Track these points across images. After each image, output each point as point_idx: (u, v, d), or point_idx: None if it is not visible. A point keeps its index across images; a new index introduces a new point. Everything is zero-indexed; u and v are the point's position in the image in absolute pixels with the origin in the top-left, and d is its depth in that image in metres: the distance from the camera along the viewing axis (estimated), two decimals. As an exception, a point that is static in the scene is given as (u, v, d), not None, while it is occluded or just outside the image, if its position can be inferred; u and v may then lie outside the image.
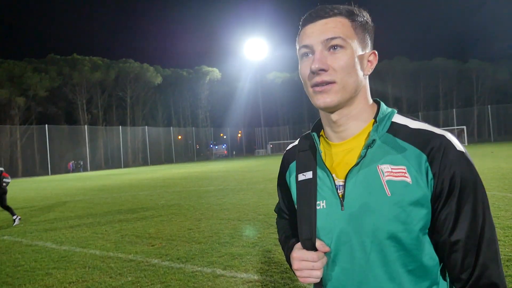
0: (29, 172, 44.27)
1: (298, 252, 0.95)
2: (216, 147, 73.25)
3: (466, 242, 0.83)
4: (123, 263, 5.21)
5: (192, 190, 14.01)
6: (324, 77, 0.88)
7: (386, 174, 0.88)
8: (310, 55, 0.91)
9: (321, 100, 0.90)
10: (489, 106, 60.76)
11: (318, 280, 0.94)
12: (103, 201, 12.48)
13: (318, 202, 0.96)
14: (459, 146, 0.87)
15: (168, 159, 59.23)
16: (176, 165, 45.63)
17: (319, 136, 1.03)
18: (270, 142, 72.33)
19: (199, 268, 4.74)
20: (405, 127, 0.91)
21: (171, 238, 6.52)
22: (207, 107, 70.43)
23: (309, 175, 1.00)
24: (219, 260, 5.05)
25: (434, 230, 0.87)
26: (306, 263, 0.93)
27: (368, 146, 0.90)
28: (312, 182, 0.98)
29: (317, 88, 0.90)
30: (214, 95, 69.87)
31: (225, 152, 73.09)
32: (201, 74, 67.63)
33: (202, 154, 68.65)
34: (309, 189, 0.98)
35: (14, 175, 42.36)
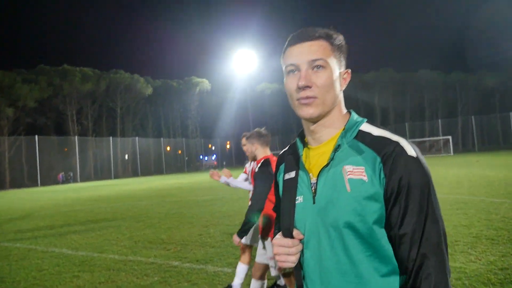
0: (18, 183, 43.65)
1: (278, 239, 1.10)
2: (206, 158, 73.25)
3: (411, 236, 0.94)
4: (145, 266, 5.52)
5: (190, 200, 14.28)
6: (308, 92, 1.04)
7: (348, 173, 1.02)
8: (296, 72, 1.06)
9: (305, 111, 1.06)
10: (472, 116, 62.44)
11: (293, 265, 1.07)
12: (103, 211, 12.67)
13: (297, 197, 1.12)
14: (411, 151, 0.99)
15: (158, 170, 59.06)
16: (167, 176, 45.62)
17: (302, 142, 1.19)
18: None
19: (220, 268, 5.09)
20: (369, 134, 1.06)
21: (184, 243, 6.84)
22: (197, 118, 70.63)
23: (292, 174, 1.16)
24: (237, 261, 5.41)
25: (386, 225, 0.99)
26: (283, 248, 1.07)
27: (335, 149, 1.06)
28: (294, 180, 1.14)
29: (302, 101, 1.05)
30: (204, 106, 70.18)
31: (215, 163, 73.17)
32: (191, 85, 67.98)
33: (192, 165, 68.59)
34: (291, 186, 1.15)
35: (1, 186, 41.80)
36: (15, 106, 45.20)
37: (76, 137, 49.72)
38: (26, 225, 10.61)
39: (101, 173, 52.60)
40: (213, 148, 74.56)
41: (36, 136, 44.08)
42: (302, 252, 1.09)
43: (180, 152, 66.17)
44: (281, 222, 1.14)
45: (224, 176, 3.97)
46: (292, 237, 1.08)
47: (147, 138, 59.86)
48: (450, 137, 50.77)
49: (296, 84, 1.05)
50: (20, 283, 5.12)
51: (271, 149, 3.60)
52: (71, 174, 46.99)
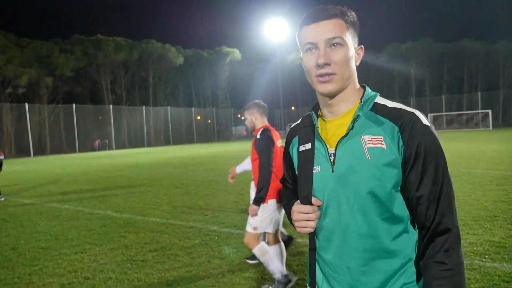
0: (57, 149, 45.90)
1: (297, 206, 1.17)
2: (236, 128, 73.73)
3: (428, 197, 1.05)
4: (185, 229, 5.82)
5: (223, 169, 14.61)
6: (328, 69, 1.09)
7: (367, 142, 1.08)
8: (314, 50, 1.11)
9: (325, 88, 1.11)
10: (515, 89, 59.12)
11: (312, 230, 1.15)
12: (141, 177, 13.22)
13: (314, 167, 1.17)
14: (425, 121, 1.08)
15: (189, 139, 60.23)
16: (198, 145, 46.55)
17: (317, 115, 1.25)
18: (288, 124, 72.54)
19: (257, 234, 5.29)
20: (384, 106, 1.13)
21: (220, 209, 7.11)
22: (227, 88, 70.72)
23: (308, 146, 1.21)
24: (274, 227, 5.60)
25: (404, 188, 1.08)
26: (303, 215, 1.14)
27: (354, 120, 1.12)
28: (311, 151, 1.19)
29: (321, 79, 1.10)
30: (234, 76, 69.99)
31: (244, 132, 73.65)
32: (222, 55, 67.68)
33: (222, 134, 69.38)
34: (308, 157, 1.20)
35: (43, 152, 44.12)
36: (53, 75, 46.80)
37: (111, 106, 51.20)
38: (71, 188, 11.27)
39: (135, 141, 54.27)
40: (242, 118, 74.78)
41: (74, 105, 45.76)
42: (320, 218, 1.17)
43: (210, 121, 66.92)
44: (299, 191, 1.19)
45: (236, 169, 4.42)
46: (311, 204, 1.15)
47: (178, 108, 60.76)
48: (489, 111, 48.53)
49: (314, 61, 1.10)
50: (72, 240, 5.54)
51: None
52: (107, 142, 48.79)
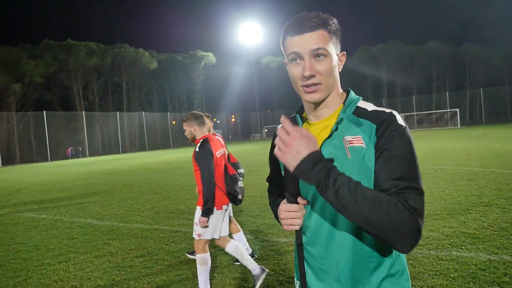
0: (27, 158, 44.36)
1: (284, 205, 1.21)
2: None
3: (390, 175, 1.05)
4: (170, 234, 5.82)
5: (203, 173, 14.55)
6: (313, 80, 1.14)
7: (348, 142, 1.14)
8: (299, 60, 1.15)
9: (311, 97, 1.17)
10: (481, 89, 61.75)
11: (298, 227, 1.19)
12: (119, 183, 13.02)
13: None
14: (400, 121, 1.12)
15: (165, 144, 59.54)
16: (175, 150, 46.06)
17: (301, 118, 1.31)
18: (265, 127, 72.95)
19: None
20: (365, 109, 1.19)
21: (204, 213, 7.12)
22: (203, 92, 70.47)
23: None
24: (259, 229, 5.69)
25: (375, 178, 1.10)
26: (290, 213, 1.18)
27: (338, 122, 1.18)
28: None
29: (307, 89, 1.16)
30: (209, 80, 69.87)
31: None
32: (196, 59, 67.43)
33: (198, 139, 68.89)
34: None
35: (11, 161, 42.54)
36: (22, 82, 45.31)
37: (83, 112, 49.99)
38: (46, 197, 10.99)
39: (109, 148, 53.17)
40: (218, 122, 74.72)
41: (44, 112, 44.41)
42: (306, 215, 1.21)
43: (174, 122, 66.34)
44: (285, 190, 1.21)
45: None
46: (297, 203, 1.19)
47: (153, 113, 60.04)
48: (457, 110, 50.45)
49: (300, 72, 1.14)
50: (55, 250, 5.44)
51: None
52: (80, 149, 47.56)
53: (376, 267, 1.15)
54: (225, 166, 3.77)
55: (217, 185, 3.60)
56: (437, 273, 3.61)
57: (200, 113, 3.77)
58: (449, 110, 53.27)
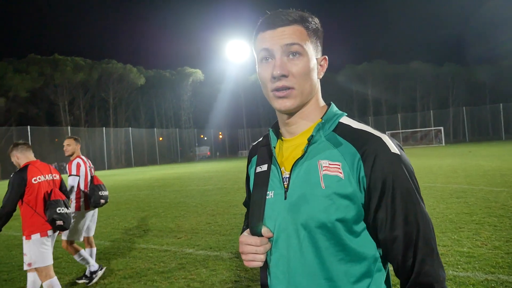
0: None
1: (244, 237, 1.03)
2: (200, 148, 73.27)
3: (404, 239, 0.88)
4: (160, 253, 5.64)
5: (191, 189, 14.37)
6: (284, 82, 0.95)
7: (323, 168, 0.94)
8: (270, 60, 0.97)
9: (282, 104, 0.97)
10: (464, 107, 63.21)
11: (261, 264, 1.01)
12: (106, 201, 12.71)
13: (268, 192, 1.04)
14: (394, 148, 0.92)
15: (151, 161, 58.88)
16: (162, 166, 45.56)
17: (277, 133, 1.11)
18: (252, 143, 72.95)
19: (235, 255, 5.22)
20: (348, 126, 0.98)
21: (193, 231, 6.96)
22: (190, 108, 70.41)
23: (264, 167, 1.08)
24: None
25: (375, 228, 0.92)
26: (250, 247, 1.01)
27: (308, 142, 0.98)
28: (266, 173, 1.06)
29: (278, 93, 0.96)
30: (197, 96, 69.94)
31: (208, 153, 73.22)
32: (184, 76, 67.55)
33: (185, 155, 68.50)
34: (263, 180, 1.06)
35: (-7, 177, 41.42)
36: (6, 96, 44.56)
37: (69, 127, 49.25)
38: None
39: (94, 164, 51.21)
40: (205, 138, 74.58)
41: (28, 127, 43.60)
42: (269, 251, 1.03)
43: (161, 139, 65.98)
44: (250, 219, 1.05)
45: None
46: (260, 235, 1.01)
47: (140, 129, 59.55)
48: (442, 128, 51.38)
49: (270, 73, 0.96)
50: (37, 270, 5.20)
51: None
52: (64, 165, 46.65)
53: None
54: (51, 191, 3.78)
55: (37, 212, 3.68)
56: (435, 294, 3.54)
57: (22, 141, 3.96)
58: (433, 128, 54.22)
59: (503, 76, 63.76)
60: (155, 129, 61.37)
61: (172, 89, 66.13)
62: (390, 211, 0.89)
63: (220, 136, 77.77)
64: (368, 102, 71.16)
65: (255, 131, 77.57)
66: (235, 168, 27.28)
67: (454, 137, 65.96)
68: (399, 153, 0.92)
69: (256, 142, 1.23)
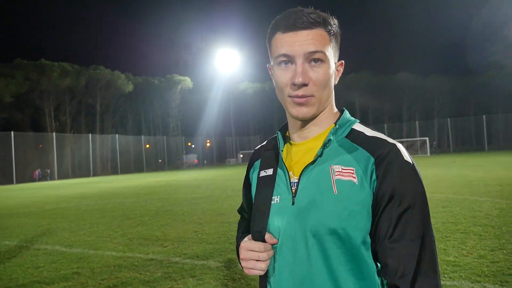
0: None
1: (246, 243, 0.98)
2: (186, 157, 72.87)
3: (405, 250, 0.84)
4: (145, 262, 5.54)
5: (178, 197, 14.24)
6: (305, 91, 0.91)
7: (336, 173, 0.91)
8: (290, 64, 0.93)
9: (299, 111, 0.94)
10: (448, 119, 64.44)
11: (262, 273, 0.95)
12: (91, 208, 12.50)
13: (273, 197, 1.00)
14: (407, 157, 0.90)
15: (138, 168, 58.31)
16: (148, 174, 45.11)
17: (284, 137, 1.08)
18: (240, 152, 72.97)
19: (222, 264, 5.16)
20: (362, 133, 0.97)
21: (180, 240, 6.87)
22: (178, 116, 70.19)
23: (270, 171, 1.04)
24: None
25: (375, 234, 0.88)
26: (252, 253, 0.95)
27: (324, 145, 0.95)
28: (272, 178, 1.03)
29: (297, 100, 0.93)
30: (185, 104, 69.82)
31: (196, 161, 72.86)
32: (173, 83, 67.43)
33: (172, 163, 68.02)
34: (267, 185, 1.02)
35: (-26, 183, 40.40)
36: (-10, 101, 43.77)
37: (54, 133, 48.51)
38: (10, 222, 10.37)
39: (79, 171, 51.49)
40: (193, 146, 74.25)
41: (12, 132, 42.78)
42: (272, 258, 0.98)
43: (148, 146, 65.49)
44: (252, 224, 1.00)
45: None
46: (263, 241, 0.96)
47: (127, 136, 59.02)
48: (427, 138, 52.18)
49: (289, 79, 0.93)
50: (18, 280, 5.06)
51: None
52: (48, 171, 45.81)
53: None
54: None
55: None
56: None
57: None
58: (419, 138, 55.06)
59: (486, 88, 65.32)
60: (142, 136, 60.95)
61: (160, 96, 65.91)
62: (396, 218, 0.86)
63: (208, 144, 77.53)
64: (355, 112, 71.99)
65: (244, 140, 77.59)
66: (223, 176, 27.16)
67: (439, 147, 67.09)
68: (411, 162, 0.90)
69: (259, 146, 1.20)
